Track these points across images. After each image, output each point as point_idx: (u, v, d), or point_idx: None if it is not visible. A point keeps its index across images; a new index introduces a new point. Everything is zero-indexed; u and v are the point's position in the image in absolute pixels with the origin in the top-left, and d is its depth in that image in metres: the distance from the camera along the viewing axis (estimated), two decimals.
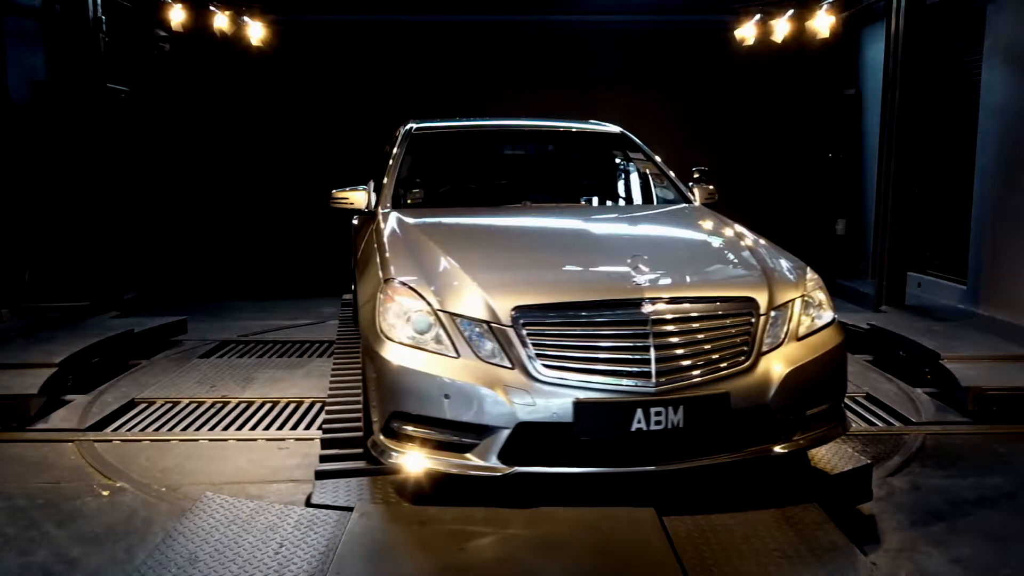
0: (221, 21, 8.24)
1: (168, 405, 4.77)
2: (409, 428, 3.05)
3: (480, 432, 2.97)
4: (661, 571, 2.74)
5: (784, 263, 3.60)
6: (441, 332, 3.06)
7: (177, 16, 8.01)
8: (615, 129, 5.25)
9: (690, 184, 4.85)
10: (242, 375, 5.36)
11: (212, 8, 8.17)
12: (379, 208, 4.31)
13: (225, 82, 9.45)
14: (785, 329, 3.25)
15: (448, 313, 3.08)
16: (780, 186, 9.61)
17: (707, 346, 3.09)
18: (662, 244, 4.02)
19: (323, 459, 3.62)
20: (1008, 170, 6.39)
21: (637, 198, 5.13)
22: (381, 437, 3.13)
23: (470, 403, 2.96)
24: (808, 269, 3.61)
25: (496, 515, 3.19)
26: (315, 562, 2.78)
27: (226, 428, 4.41)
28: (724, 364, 3.07)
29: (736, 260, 3.65)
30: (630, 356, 3.00)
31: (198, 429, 4.39)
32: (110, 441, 4.20)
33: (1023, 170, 6.22)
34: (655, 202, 4.95)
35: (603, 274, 3.34)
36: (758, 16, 8.56)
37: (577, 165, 5.48)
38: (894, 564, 2.94)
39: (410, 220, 4.05)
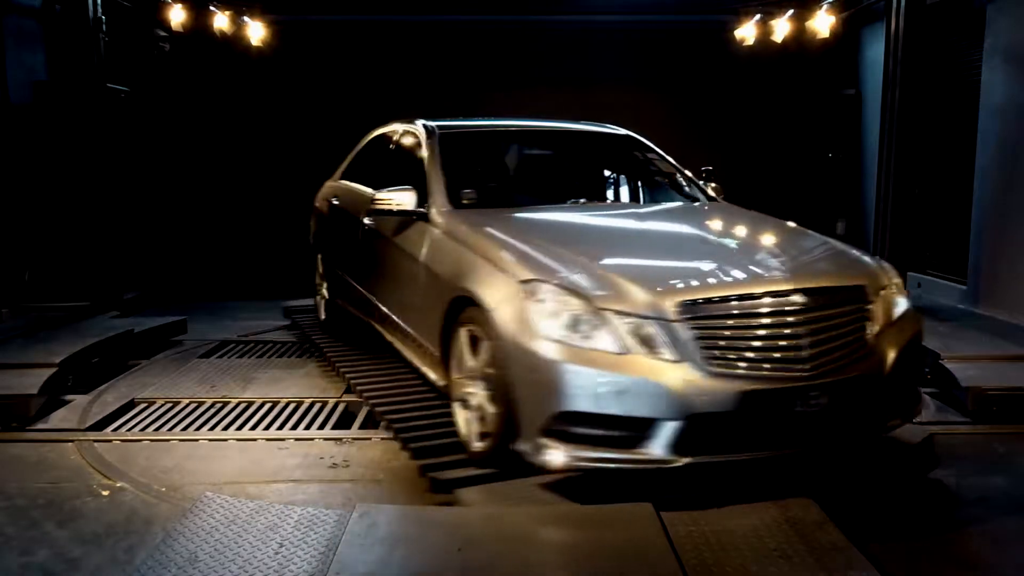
0: (221, 21, 8.24)
1: (168, 405, 4.77)
2: (576, 427, 3.05)
3: (651, 425, 3.02)
4: (661, 570, 2.74)
5: (858, 252, 3.89)
6: (604, 329, 3.08)
7: (177, 16, 8.01)
8: (623, 132, 5.38)
9: (702, 183, 5.04)
10: (242, 375, 5.36)
11: (212, 8, 8.17)
12: (433, 209, 4.22)
13: (225, 82, 9.45)
14: (883, 314, 3.47)
15: (612, 311, 3.11)
16: (780, 186, 9.60)
17: (842, 331, 3.28)
18: (764, 238, 4.07)
19: (428, 468, 3.53)
20: (1008, 170, 6.39)
21: (663, 197, 5.16)
22: (542, 438, 3.09)
23: (641, 398, 3.01)
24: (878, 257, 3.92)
25: (495, 515, 3.20)
26: (315, 562, 2.78)
27: (226, 428, 4.41)
28: (855, 348, 3.29)
29: (834, 251, 3.88)
30: (785, 344, 3.14)
31: (198, 429, 4.39)
32: (110, 441, 4.20)
33: (1023, 170, 6.21)
34: (681, 200, 4.99)
35: (749, 269, 3.39)
36: (758, 16, 8.56)
37: (599, 165, 5.51)
38: (896, 563, 2.94)
39: (492, 220, 4.00)
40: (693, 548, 2.88)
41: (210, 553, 2.85)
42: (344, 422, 4.52)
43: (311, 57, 9.49)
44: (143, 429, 4.40)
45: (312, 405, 4.77)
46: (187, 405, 4.76)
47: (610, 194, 5.37)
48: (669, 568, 2.74)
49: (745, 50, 8.79)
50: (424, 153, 4.63)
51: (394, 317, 4.68)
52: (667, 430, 3.01)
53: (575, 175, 5.43)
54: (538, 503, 3.27)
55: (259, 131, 9.44)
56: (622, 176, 5.42)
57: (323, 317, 6.42)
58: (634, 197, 5.29)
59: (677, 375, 3.01)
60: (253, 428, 4.41)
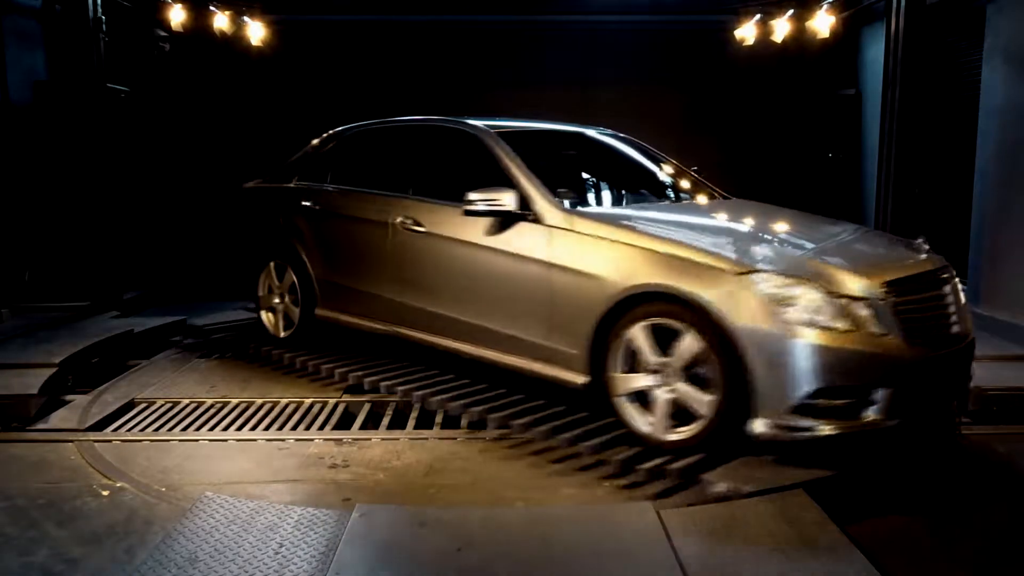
0: (221, 21, 8.24)
1: (168, 405, 4.77)
2: (818, 401, 3.33)
3: (871, 393, 3.38)
4: (661, 570, 2.74)
5: None
6: (828, 311, 3.37)
7: (177, 16, 8.01)
8: (630, 138, 5.58)
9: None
10: (242, 375, 5.36)
11: (212, 8, 8.17)
12: (545, 209, 4.21)
13: (225, 82, 9.45)
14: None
15: (832, 293, 3.41)
16: (780, 186, 9.59)
17: (961, 303, 3.88)
18: (858, 230, 4.57)
19: (675, 466, 3.53)
20: (1008, 170, 6.39)
21: (686, 195, 5.29)
22: (789, 416, 3.36)
23: (866, 370, 3.36)
24: None
25: (495, 515, 3.20)
26: (315, 562, 2.78)
27: (226, 428, 4.41)
28: (966, 317, 3.91)
29: (901, 238, 4.56)
30: (944, 315, 3.70)
31: (198, 429, 4.39)
32: (110, 441, 4.20)
33: (1023, 170, 6.21)
34: (695, 198, 5.21)
35: (912, 254, 4.00)
36: (758, 16, 8.56)
37: (628, 167, 5.55)
38: (896, 563, 2.94)
39: (617, 218, 4.19)
40: (693, 548, 2.88)
41: (210, 553, 2.85)
42: (344, 422, 4.52)
43: (311, 57, 9.48)
44: (143, 429, 4.40)
45: (312, 405, 4.77)
46: (187, 405, 4.76)
47: (652, 192, 5.40)
48: (669, 568, 2.75)
49: (745, 50, 8.79)
50: (499, 154, 4.54)
51: (471, 321, 4.51)
52: (882, 396, 3.38)
53: (611, 176, 5.52)
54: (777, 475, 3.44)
55: (259, 131, 9.44)
56: (649, 177, 5.45)
57: (283, 334, 5.78)
58: (664, 195, 5.31)
59: (889, 346, 3.39)
60: (253, 428, 4.41)
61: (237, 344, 6.01)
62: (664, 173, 5.42)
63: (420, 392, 4.68)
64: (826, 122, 9.42)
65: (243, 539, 2.95)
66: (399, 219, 4.89)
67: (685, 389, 3.61)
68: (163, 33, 8.65)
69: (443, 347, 4.78)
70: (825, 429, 3.34)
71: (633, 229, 3.95)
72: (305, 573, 2.72)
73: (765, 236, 4.15)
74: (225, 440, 4.23)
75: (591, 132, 5.50)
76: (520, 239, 4.26)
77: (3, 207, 6.74)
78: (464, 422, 4.41)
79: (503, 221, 4.32)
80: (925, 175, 7.74)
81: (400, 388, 4.78)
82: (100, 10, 7.00)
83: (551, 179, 4.50)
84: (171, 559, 2.81)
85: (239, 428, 4.41)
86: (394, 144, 5.49)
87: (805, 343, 3.30)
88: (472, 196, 4.25)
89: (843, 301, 3.39)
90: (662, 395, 3.68)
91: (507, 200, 4.19)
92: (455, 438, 4.25)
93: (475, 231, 4.46)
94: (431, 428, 4.42)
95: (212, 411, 4.67)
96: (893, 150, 7.06)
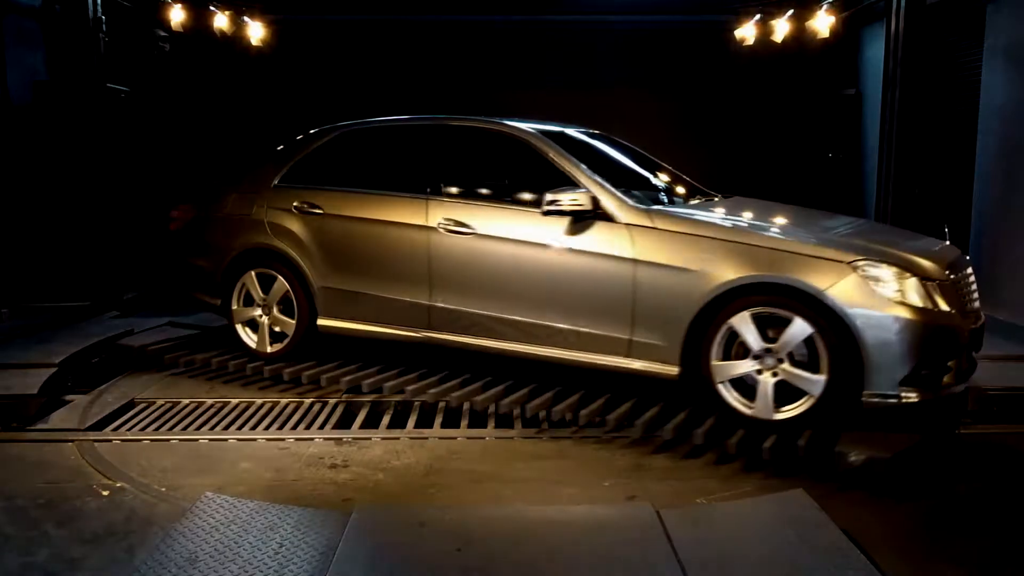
0: (221, 21, 8.24)
1: (168, 405, 4.77)
2: (922, 371, 3.79)
3: (948, 362, 3.91)
4: (661, 570, 2.74)
5: None
6: (920, 293, 3.83)
7: (177, 16, 8.01)
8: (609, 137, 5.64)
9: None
10: (242, 375, 5.35)
11: (212, 8, 8.17)
12: (622, 208, 4.31)
13: (225, 82, 9.45)
14: None
15: (920, 278, 3.86)
16: (780, 186, 9.59)
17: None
18: (870, 223, 5.29)
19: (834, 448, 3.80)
20: (1008, 170, 6.39)
21: (691, 195, 5.29)
22: (899, 387, 3.77)
23: (947, 344, 3.89)
24: None
25: (495, 515, 3.20)
26: (315, 562, 2.78)
27: (226, 428, 4.41)
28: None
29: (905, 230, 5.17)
30: (972, 292, 4.21)
31: (198, 429, 4.39)
32: (110, 441, 4.20)
33: (1023, 170, 6.22)
34: (707, 196, 5.31)
35: (934, 242, 4.52)
36: (758, 16, 8.55)
37: (642, 168, 5.53)
38: (897, 564, 2.94)
39: (694, 213, 4.44)
40: (693, 548, 2.88)
41: (210, 553, 2.85)
42: (344, 422, 4.52)
43: (311, 57, 9.48)
44: (143, 429, 4.40)
45: (312, 405, 4.77)
46: (187, 405, 4.76)
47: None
48: (669, 568, 2.74)
49: (745, 50, 8.79)
50: (553, 156, 4.60)
51: (534, 321, 4.50)
52: (954, 366, 3.91)
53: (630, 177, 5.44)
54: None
55: (259, 131, 9.43)
56: (656, 178, 5.42)
57: (271, 350, 5.28)
58: (675, 195, 5.26)
59: (955, 321, 3.90)
60: (253, 428, 4.41)
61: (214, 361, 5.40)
62: (651, 172, 5.36)
63: (480, 396, 4.61)
64: (826, 122, 9.41)
65: (243, 539, 2.95)
66: (439, 221, 4.76)
67: (793, 371, 3.89)
68: (163, 33, 8.65)
69: (493, 350, 4.68)
70: (915, 397, 3.78)
71: (722, 226, 4.21)
72: (305, 573, 2.72)
73: (835, 229, 4.45)
74: (225, 440, 4.23)
75: (572, 131, 5.35)
76: (594, 237, 4.33)
77: (3, 207, 6.73)
78: (522, 416, 4.42)
79: (572, 220, 4.39)
80: (925, 175, 7.74)
81: (454, 395, 4.68)
82: (100, 10, 7.00)
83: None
84: (171, 559, 2.81)
85: (239, 428, 4.41)
86: (413, 144, 5.26)
87: (908, 322, 3.74)
88: (551, 197, 4.33)
89: (929, 284, 3.86)
90: (767, 379, 3.94)
91: (583, 200, 4.30)
92: (455, 438, 4.26)
93: (537, 231, 4.47)
94: (431, 428, 4.42)
95: (212, 411, 4.67)
96: (893, 150, 7.06)
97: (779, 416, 3.92)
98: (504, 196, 4.75)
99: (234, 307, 5.38)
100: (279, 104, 9.49)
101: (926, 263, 3.95)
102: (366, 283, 5.00)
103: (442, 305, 4.80)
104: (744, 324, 3.96)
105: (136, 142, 8.52)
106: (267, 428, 4.41)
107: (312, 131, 5.60)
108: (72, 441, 4.18)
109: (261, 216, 5.32)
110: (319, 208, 5.17)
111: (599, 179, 4.48)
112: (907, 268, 3.86)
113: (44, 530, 3.18)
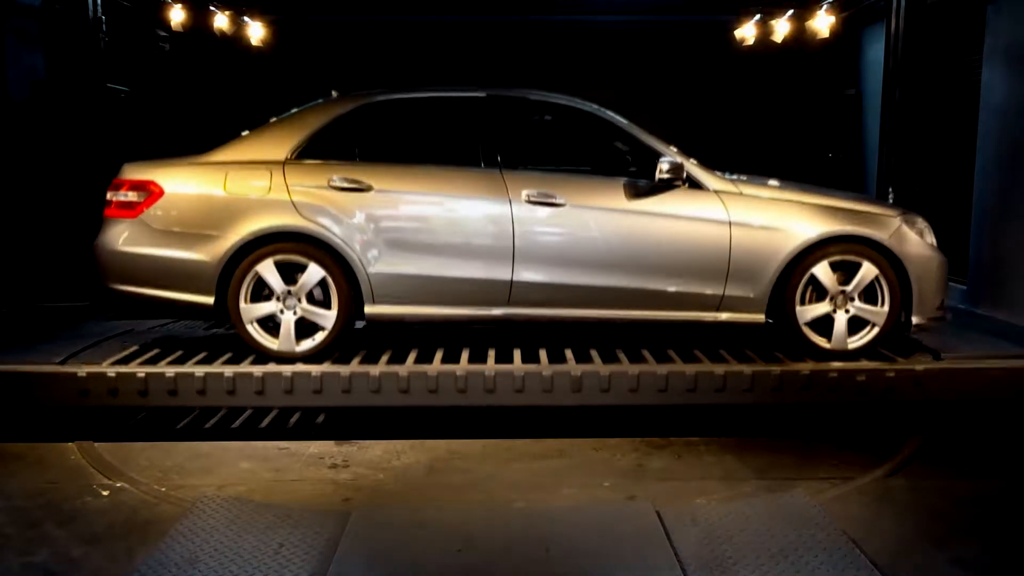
0: (221, 21, 8.25)
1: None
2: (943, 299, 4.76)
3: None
4: (661, 570, 2.74)
5: None
6: (934, 239, 4.84)
7: (177, 16, 8.01)
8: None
9: None
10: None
11: (212, 8, 8.17)
12: (708, 176, 4.73)
13: (225, 82, 9.45)
14: None
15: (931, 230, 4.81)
16: None
17: None
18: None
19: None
20: (1008, 170, 6.39)
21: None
22: (931, 314, 4.65)
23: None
24: None
25: (495, 515, 3.20)
26: (315, 562, 2.78)
27: (226, 428, 4.40)
28: None
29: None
30: None
31: (198, 429, 4.39)
32: (110, 441, 4.20)
33: (1023, 170, 6.22)
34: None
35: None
36: (758, 16, 8.56)
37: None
38: (893, 564, 2.94)
39: (762, 180, 5.05)
40: (693, 547, 2.88)
41: (210, 553, 2.85)
42: (344, 422, 4.52)
43: (311, 57, 9.49)
44: (143, 429, 4.40)
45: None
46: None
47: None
48: (669, 568, 2.74)
49: (745, 50, 8.79)
50: (636, 133, 4.85)
51: (632, 287, 4.65)
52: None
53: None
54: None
55: None
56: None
57: (299, 349, 4.42)
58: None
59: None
60: (253, 428, 4.41)
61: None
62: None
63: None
64: (826, 122, 9.41)
65: (243, 539, 2.95)
66: (524, 194, 4.61)
67: (864, 306, 4.60)
68: (163, 33, 8.65)
69: (587, 319, 4.71)
70: (942, 321, 4.73)
71: (801, 191, 4.87)
72: (305, 573, 2.72)
73: (861, 195, 5.54)
74: (225, 440, 4.23)
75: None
76: (689, 204, 4.69)
77: (3, 207, 6.73)
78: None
79: (664, 189, 4.69)
80: (925, 175, 7.75)
81: None
82: (100, 10, 7.00)
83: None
84: (171, 559, 2.81)
85: (239, 428, 4.40)
86: (475, 117, 4.94)
87: (939, 262, 4.65)
88: (664, 167, 4.61)
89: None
90: (842, 316, 4.61)
91: (682, 170, 4.63)
92: (454, 438, 4.25)
93: (629, 201, 4.70)
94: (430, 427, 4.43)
95: (212, 411, 4.66)
96: (893, 150, 7.06)
97: (852, 345, 4.63)
98: (586, 169, 5.03)
99: (242, 304, 4.48)
100: (279, 104, 9.46)
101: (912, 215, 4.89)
102: (432, 263, 4.61)
103: (528, 279, 4.65)
104: (824, 271, 4.58)
105: (136, 142, 8.52)
106: (267, 428, 4.41)
107: (328, 99, 5.20)
108: (72, 441, 4.17)
109: (282, 195, 4.61)
110: (366, 184, 4.62)
111: (670, 149, 4.78)
112: (927, 221, 4.76)
113: (44, 530, 3.18)
